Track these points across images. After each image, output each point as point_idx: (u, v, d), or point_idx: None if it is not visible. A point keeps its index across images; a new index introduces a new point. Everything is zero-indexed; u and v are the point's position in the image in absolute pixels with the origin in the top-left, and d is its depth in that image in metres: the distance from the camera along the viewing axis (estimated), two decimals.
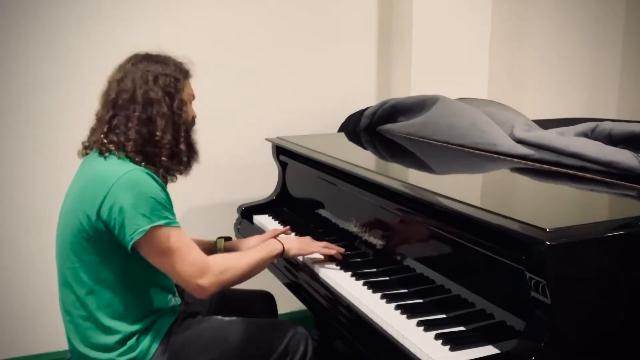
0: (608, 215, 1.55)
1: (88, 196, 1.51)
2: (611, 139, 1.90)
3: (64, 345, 1.70)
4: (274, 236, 1.99)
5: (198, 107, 1.75)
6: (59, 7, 2.52)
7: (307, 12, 2.93)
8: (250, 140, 2.84)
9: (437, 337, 1.38)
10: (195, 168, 1.72)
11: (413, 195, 1.63)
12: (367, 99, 3.07)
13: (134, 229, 1.46)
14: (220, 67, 2.76)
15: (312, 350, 1.68)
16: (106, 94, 1.63)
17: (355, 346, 1.58)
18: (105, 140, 1.57)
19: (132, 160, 1.55)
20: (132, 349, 1.57)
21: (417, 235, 1.69)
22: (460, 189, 1.77)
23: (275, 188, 2.57)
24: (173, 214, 1.55)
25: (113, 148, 1.56)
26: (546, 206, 1.56)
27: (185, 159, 1.66)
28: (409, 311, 1.50)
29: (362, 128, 2.75)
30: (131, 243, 1.47)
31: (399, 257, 1.74)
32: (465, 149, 2.17)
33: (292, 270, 1.98)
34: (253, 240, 1.99)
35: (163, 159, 1.60)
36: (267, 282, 2.08)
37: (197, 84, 1.73)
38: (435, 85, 2.74)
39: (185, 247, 1.53)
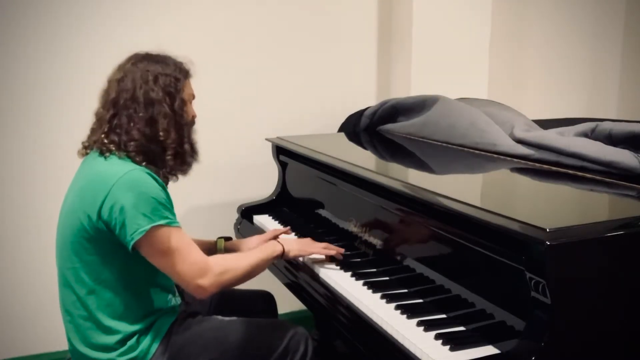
0: (608, 215, 1.55)
1: (89, 196, 1.51)
2: (611, 139, 1.90)
3: (64, 345, 1.70)
4: (274, 237, 2.00)
5: (198, 107, 1.75)
6: (59, 7, 2.52)
7: (307, 12, 2.93)
8: (250, 140, 2.84)
9: (437, 337, 1.38)
10: (195, 168, 1.72)
11: (413, 195, 1.63)
12: (367, 99, 3.07)
13: (135, 229, 1.46)
14: (220, 67, 2.76)
15: (312, 350, 1.68)
16: (106, 93, 1.63)
17: (355, 346, 1.58)
18: (106, 140, 1.57)
19: (133, 160, 1.55)
20: (132, 349, 1.57)
21: (417, 235, 1.69)
22: (460, 189, 1.77)
23: (275, 188, 2.57)
24: (173, 214, 1.55)
25: (114, 148, 1.56)
26: (546, 206, 1.56)
27: (189, 159, 1.66)
28: (409, 311, 1.50)
29: (362, 128, 2.75)
30: (132, 243, 1.47)
31: (399, 257, 1.74)
32: (465, 149, 2.17)
33: (292, 270, 1.98)
34: (253, 240, 1.99)
35: (168, 158, 1.60)
36: (267, 282, 2.08)
37: (197, 84, 1.73)
38: (435, 85, 2.74)
39: (185, 248, 1.53)
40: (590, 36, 3.66)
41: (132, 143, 1.55)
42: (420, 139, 2.41)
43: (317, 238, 1.92)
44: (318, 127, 2.95)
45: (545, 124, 2.27)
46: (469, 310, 1.44)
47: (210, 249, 1.91)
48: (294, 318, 2.81)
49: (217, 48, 2.77)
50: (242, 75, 2.84)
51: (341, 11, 3.00)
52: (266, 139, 2.56)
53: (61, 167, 2.15)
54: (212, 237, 2.01)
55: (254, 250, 1.76)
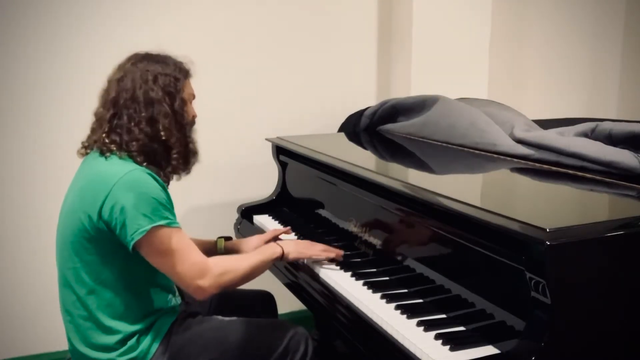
0: (608, 215, 1.55)
1: (89, 196, 1.52)
2: (611, 139, 1.90)
3: (64, 345, 1.70)
4: (274, 237, 2.00)
5: (198, 107, 1.75)
6: (59, 7, 2.52)
7: (307, 12, 2.93)
8: (250, 140, 2.84)
9: (437, 337, 1.38)
10: (195, 168, 1.72)
11: (413, 195, 1.63)
12: (367, 99, 3.07)
13: (135, 229, 1.46)
14: (220, 67, 2.76)
15: (312, 350, 1.68)
16: (106, 93, 1.63)
17: (355, 346, 1.58)
18: (107, 140, 1.57)
19: (134, 160, 1.55)
20: (132, 349, 1.57)
21: (417, 235, 1.69)
22: (460, 189, 1.77)
23: (275, 188, 2.57)
24: (174, 215, 1.55)
25: (115, 148, 1.56)
26: (546, 206, 1.56)
27: (191, 158, 1.67)
28: (409, 311, 1.50)
29: (362, 128, 2.75)
30: (132, 243, 1.47)
31: (399, 257, 1.74)
32: (465, 149, 2.17)
33: (292, 270, 1.98)
34: (253, 240, 1.99)
35: (173, 157, 1.61)
36: (267, 282, 2.08)
37: (197, 84, 1.74)
38: (435, 85, 2.74)
39: (185, 248, 1.53)
40: (590, 36, 3.66)
41: (134, 142, 1.55)
42: (420, 139, 2.41)
43: (317, 238, 1.92)
44: (318, 127, 2.95)
45: (545, 124, 2.27)
46: (469, 310, 1.44)
47: (210, 248, 1.91)
48: (294, 318, 2.81)
49: (217, 48, 2.77)
50: (242, 75, 2.84)
51: (341, 11, 3.00)
52: (266, 139, 2.56)
53: (61, 167, 2.15)
54: (212, 237, 2.01)
55: (254, 252, 1.77)
